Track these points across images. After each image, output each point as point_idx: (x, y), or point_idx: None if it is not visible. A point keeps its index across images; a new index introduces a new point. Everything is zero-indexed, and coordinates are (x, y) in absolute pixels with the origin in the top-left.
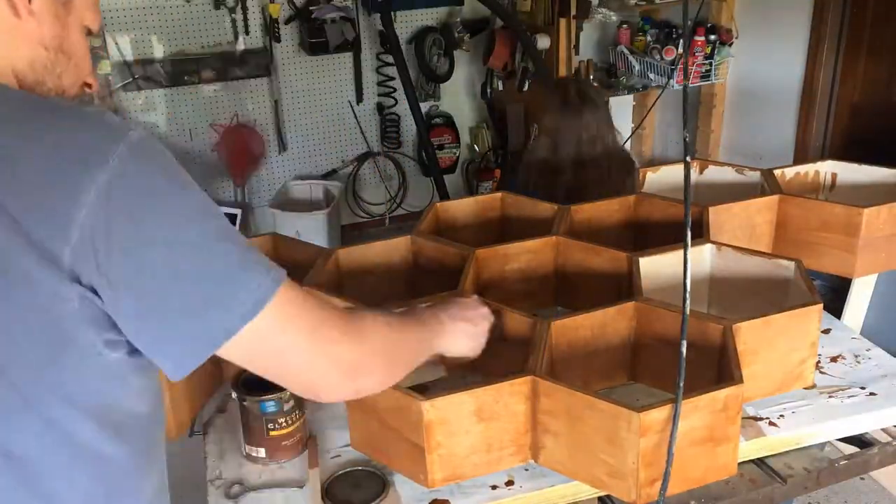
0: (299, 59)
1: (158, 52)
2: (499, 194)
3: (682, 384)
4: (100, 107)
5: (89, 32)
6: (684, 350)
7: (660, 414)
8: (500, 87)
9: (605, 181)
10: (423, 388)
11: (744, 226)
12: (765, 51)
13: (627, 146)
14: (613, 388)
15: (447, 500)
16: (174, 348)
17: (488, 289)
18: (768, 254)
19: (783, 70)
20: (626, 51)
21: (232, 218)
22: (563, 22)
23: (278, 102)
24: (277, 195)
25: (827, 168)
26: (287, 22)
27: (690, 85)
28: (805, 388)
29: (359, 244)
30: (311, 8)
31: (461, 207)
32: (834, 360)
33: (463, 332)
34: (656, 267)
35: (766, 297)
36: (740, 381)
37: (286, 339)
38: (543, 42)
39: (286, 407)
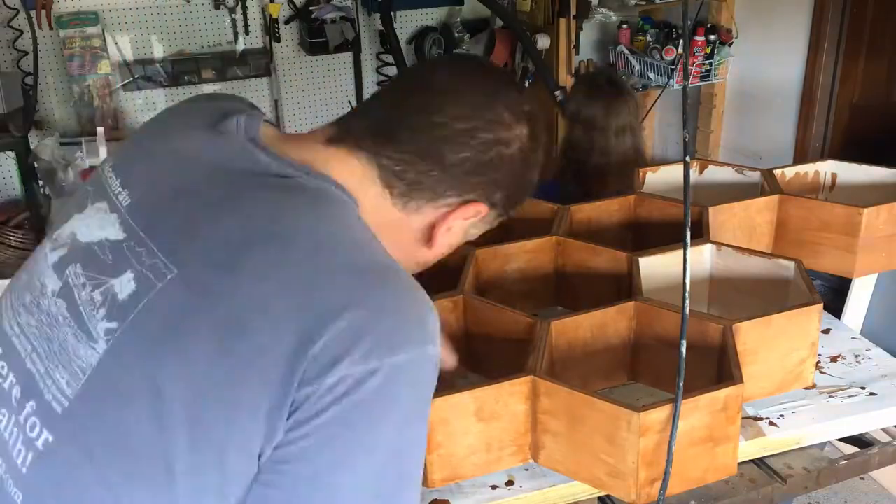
0: (299, 59)
1: (158, 52)
2: None
3: (681, 384)
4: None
5: None
6: (684, 350)
7: (660, 414)
8: None
9: (627, 175)
10: None
11: (744, 226)
12: (765, 51)
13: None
14: (613, 388)
15: (447, 500)
16: None
17: (488, 289)
18: (768, 254)
19: (783, 70)
20: (625, 51)
21: None
22: (562, 22)
23: (278, 102)
24: None
25: (827, 168)
26: (287, 22)
27: (690, 85)
28: (805, 388)
29: None
30: (311, 8)
31: None
32: (834, 360)
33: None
34: (656, 267)
35: (766, 297)
36: (740, 381)
37: None
38: (543, 42)
39: None
